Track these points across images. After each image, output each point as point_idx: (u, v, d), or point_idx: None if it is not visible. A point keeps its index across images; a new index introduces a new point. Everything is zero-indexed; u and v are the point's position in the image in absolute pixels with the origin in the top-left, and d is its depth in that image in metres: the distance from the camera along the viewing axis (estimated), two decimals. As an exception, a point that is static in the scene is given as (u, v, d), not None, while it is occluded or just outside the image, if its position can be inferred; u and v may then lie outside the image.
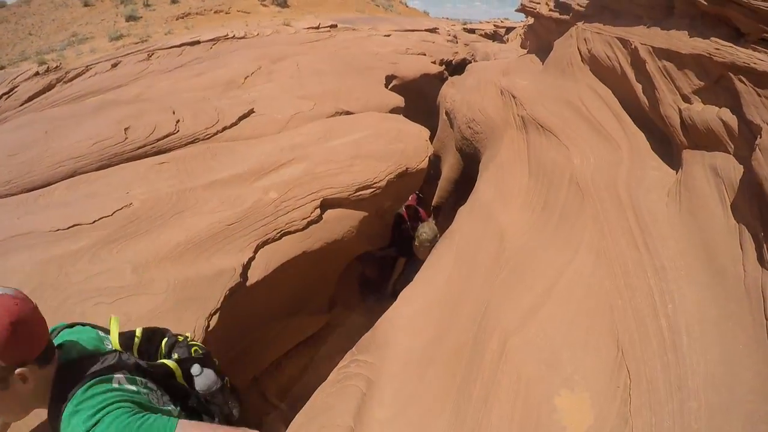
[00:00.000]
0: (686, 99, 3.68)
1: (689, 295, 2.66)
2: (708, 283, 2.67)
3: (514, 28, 25.93)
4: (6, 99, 9.51)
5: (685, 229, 3.05)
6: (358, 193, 4.86)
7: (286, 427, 4.21)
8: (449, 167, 7.41)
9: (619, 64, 4.71)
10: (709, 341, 2.40)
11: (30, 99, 9.39)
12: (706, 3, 3.75)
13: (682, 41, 3.89)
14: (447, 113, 7.80)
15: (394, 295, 6.04)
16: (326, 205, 4.70)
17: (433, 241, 5.07)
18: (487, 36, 24.41)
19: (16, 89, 9.85)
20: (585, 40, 5.71)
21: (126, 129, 5.49)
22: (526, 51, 12.48)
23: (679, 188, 3.32)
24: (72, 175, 4.89)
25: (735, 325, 2.39)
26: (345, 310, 5.46)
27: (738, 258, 2.62)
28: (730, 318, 2.43)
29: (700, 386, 2.22)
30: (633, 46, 4.45)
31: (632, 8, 5.12)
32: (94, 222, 3.92)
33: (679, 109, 3.65)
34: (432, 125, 6.76)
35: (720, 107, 3.34)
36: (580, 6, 6.96)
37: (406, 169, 5.29)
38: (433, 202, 7.97)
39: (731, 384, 2.19)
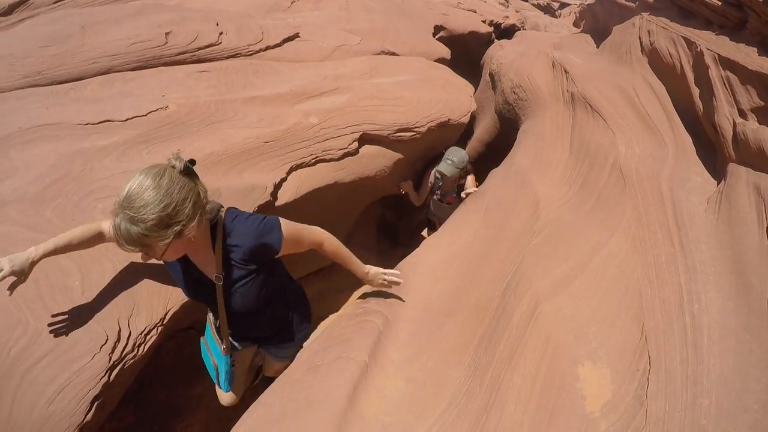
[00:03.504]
0: (742, 114, 3.65)
1: (715, 300, 2.71)
2: (733, 294, 2.72)
3: (569, 5, 25.39)
4: (41, -7, 9.23)
5: (720, 239, 3.09)
6: (398, 134, 4.78)
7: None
8: (484, 129, 7.33)
9: (681, 63, 4.61)
10: (726, 347, 2.46)
11: (66, -4, 9.15)
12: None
13: (750, 57, 3.85)
14: (491, 75, 7.68)
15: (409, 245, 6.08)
16: (364, 140, 4.62)
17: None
18: (539, 7, 23.79)
19: (51, -16, 9.52)
20: (649, 32, 5.58)
21: (167, 33, 5.34)
22: (578, 30, 12.29)
23: (720, 198, 3.34)
24: (106, 73, 4.76)
25: (752, 338, 2.45)
26: (359, 249, 5.42)
27: (766, 278, 2.68)
28: (749, 331, 2.49)
29: (713, 386, 2.28)
30: (698, 50, 4.34)
31: (704, 11, 4.99)
32: (126, 120, 3.82)
33: (734, 122, 3.62)
34: (472, 84, 6.64)
35: (776, 130, 3.34)
36: (650, -4, 6.80)
37: (448, 120, 5.19)
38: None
39: (741, 391, 2.25)
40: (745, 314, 2.57)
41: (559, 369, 2.42)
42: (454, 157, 4.93)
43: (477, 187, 5.07)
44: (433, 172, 5.28)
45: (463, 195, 5.13)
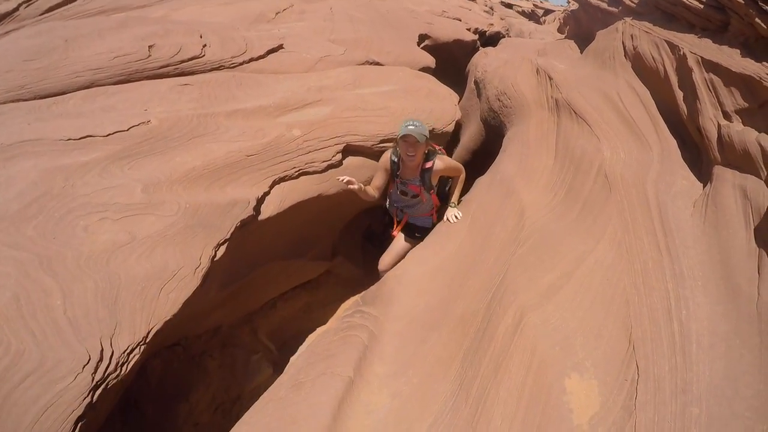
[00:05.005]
0: (727, 116, 3.66)
1: (703, 305, 2.69)
2: (722, 299, 2.70)
3: (553, 11, 25.63)
4: (26, 7, 9.17)
5: (707, 243, 3.07)
6: (381, 144, 4.77)
7: (272, 368, 4.25)
8: (469, 137, 7.32)
9: (664, 67, 4.61)
10: (716, 353, 2.43)
11: (51, 9, 9.07)
12: (766, 27, 3.73)
13: (733, 59, 3.87)
14: (476, 82, 7.69)
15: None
16: (348, 151, 4.61)
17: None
18: (523, 14, 23.99)
19: (37, -2, 9.46)
20: (632, 36, 5.59)
21: (150, 46, 5.32)
22: (563, 36, 12.35)
23: (706, 201, 3.32)
24: (89, 87, 4.72)
25: (742, 343, 2.43)
26: (346, 261, 5.42)
27: (754, 280, 2.66)
28: (738, 336, 2.46)
29: (703, 394, 2.25)
30: (681, 53, 4.35)
31: (687, 15, 5.00)
32: (108, 135, 3.78)
33: (719, 125, 3.63)
34: (457, 92, 6.66)
35: (760, 132, 3.34)
36: (632, 2, 6.83)
37: (433, 129, 5.16)
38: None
39: (732, 398, 2.22)
40: (735, 319, 2.55)
41: (546, 382, 2.38)
42: (416, 121, 3.82)
43: (452, 168, 4.20)
44: (387, 155, 4.16)
45: (450, 218, 4.09)
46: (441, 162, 4.02)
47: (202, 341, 4.09)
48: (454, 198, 4.20)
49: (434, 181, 4.11)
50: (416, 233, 4.35)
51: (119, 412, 3.41)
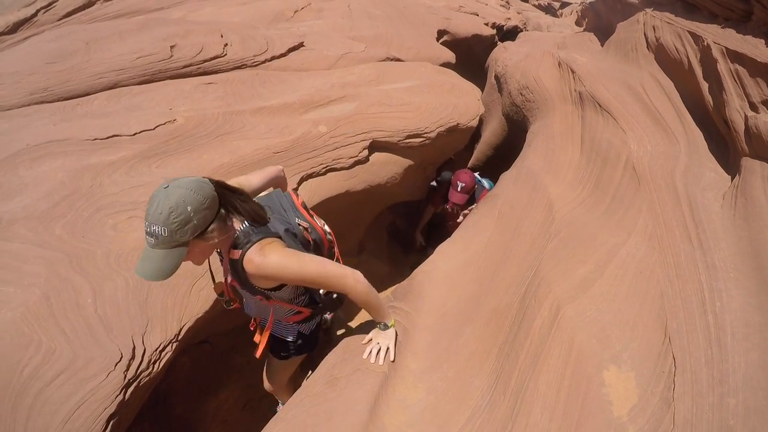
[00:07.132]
0: (754, 107, 3.57)
1: (736, 297, 2.64)
2: (755, 291, 2.65)
3: (570, 4, 25.32)
4: (45, 12, 9.22)
5: (738, 235, 3.02)
6: (407, 140, 4.75)
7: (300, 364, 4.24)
8: (491, 131, 7.27)
9: (688, 58, 4.53)
10: (751, 344, 2.39)
11: (69, 14, 9.12)
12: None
13: (758, 49, 3.76)
14: (497, 77, 7.64)
15: (420, 249, 5.95)
16: (374, 147, 4.60)
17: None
18: (540, 7, 23.74)
19: (55, 3, 9.51)
20: (654, 27, 5.50)
21: (172, 47, 5.35)
22: (581, 29, 12.25)
23: (735, 193, 3.26)
24: (113, 87, 4.77)
25: (776, 335, 2.36)
26: (371, 257, 5.41)
27: (785, 273, 2.59)
28: (772, 328, 2.40)
29: (740, 385, 2.22)
30: (705, 44, 4.27)
31: (708, 4, 4.90)
32: (134, 134, 3.81)
33: (746, 116, 3.53)
34: (477, 87, 6.62)
35: (788, 122, 3.28)
36: (652, -8, 6.74)
37: (457, 124, 5.16)
38: (469, 165, 7.88)
39: (767, 389, 2.18)
40: (768, 311, 2.51)
41: (584, 374, 2.37)
42: (156, 224, 1.72)
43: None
44: None
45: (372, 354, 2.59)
46: (254, 263, 2.03)
47: (230, 338, 4.10)
48: (376, 315, 2.61)
49: (259, 285, 2.23)
50: (272, 347, 3.01)
51: (148, 408, 3.43)
